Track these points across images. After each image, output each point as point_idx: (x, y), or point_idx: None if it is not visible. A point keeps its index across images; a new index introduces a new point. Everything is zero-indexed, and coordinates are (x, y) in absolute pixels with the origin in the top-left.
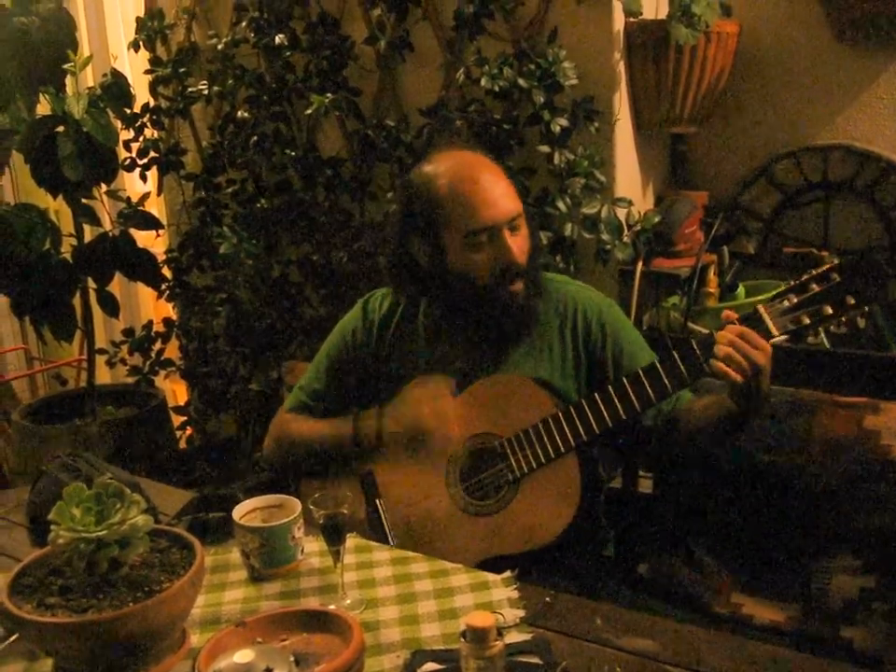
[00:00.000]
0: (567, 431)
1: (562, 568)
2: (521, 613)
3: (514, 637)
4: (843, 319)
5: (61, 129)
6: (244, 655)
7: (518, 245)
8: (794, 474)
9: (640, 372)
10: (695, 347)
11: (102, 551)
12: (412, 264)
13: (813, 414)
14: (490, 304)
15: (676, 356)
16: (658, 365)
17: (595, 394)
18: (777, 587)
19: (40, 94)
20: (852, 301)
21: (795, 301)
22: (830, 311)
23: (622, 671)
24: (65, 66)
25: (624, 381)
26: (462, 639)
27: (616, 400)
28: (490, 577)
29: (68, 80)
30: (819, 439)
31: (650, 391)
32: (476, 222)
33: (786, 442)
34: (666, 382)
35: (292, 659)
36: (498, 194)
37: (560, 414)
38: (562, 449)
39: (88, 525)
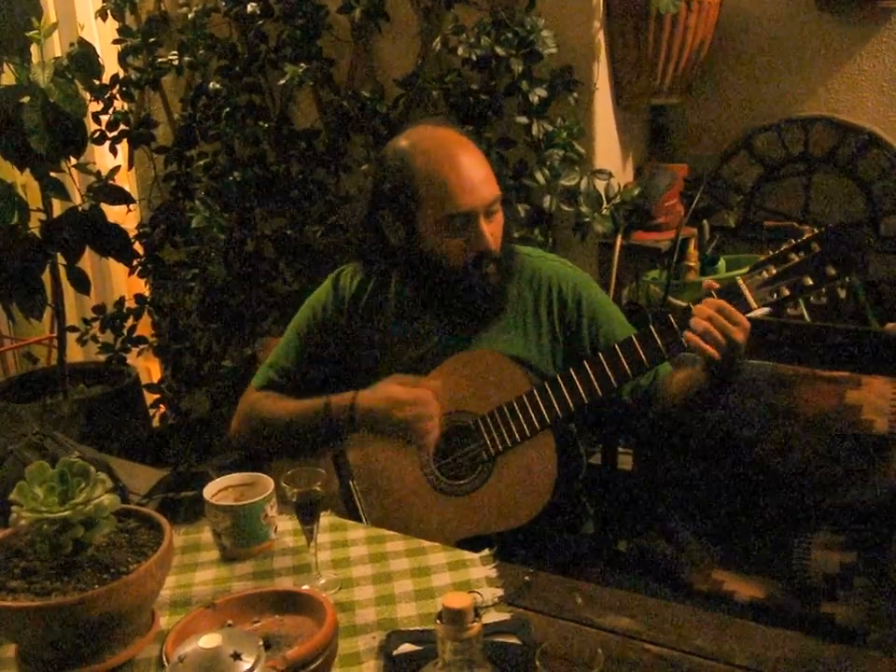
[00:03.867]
0: (543, 408)
1: (541, 546)
2: (499, 592)
3: (493, 617)
4: (823, 290)
5: (26, 99)
6: (210, 640)
7: (493, 230)
8: (775, 449)
9: (616, 347)
10: (673, 322)
11: (66, 532)
12: (381, 241)
13: (794, 389)
14: (461, 286)
15: (653, 330)
16: (635, 339)
17: (571, 369)
18: (758, 563)
19: (4, 64)
20: (832, 272)
21: (775, 272)
22: (810, 282)
23: (603, 651)
24: (29, 34)
25: (600, 356)
26: (438, 621)
27: (592, 376)
28: (468, 555)
29: (33, 49)
30: (801, 413)
31: (626, 366)
32: (453, 207)
33: (767, 417)
34: (643, 356)
35: (261, 643)
36: (478, 179)
37: (535, 391)
38: (537, 426)
39: (51, 506)
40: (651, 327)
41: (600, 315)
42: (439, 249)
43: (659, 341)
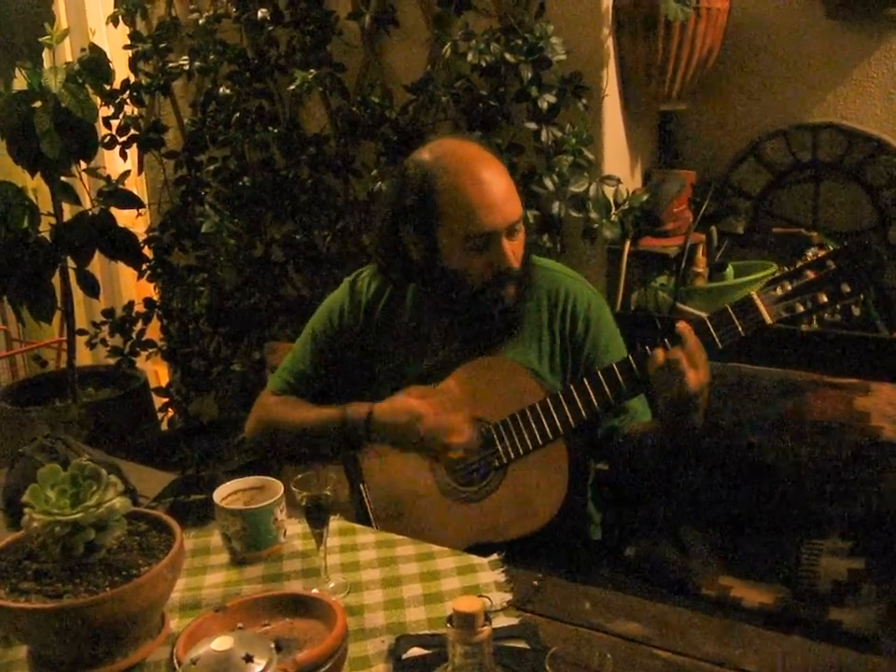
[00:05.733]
0: (556, 417)
1: (549, 552)
2: (508, 597)
3: (502, 622)
4: (838, 307)
5: (38, 104)
6: (222, 642)
7: (515, 249)
8: (784, 455)
9: (630, 359)
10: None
11: (77, 534)
12: (401, 254)
13: (803, 395)
14: (479, 304)
15: (667, 342)
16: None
17: (585, 379)
18: (766, 569)
19: (17, 69)
20: (848, 289)
21: (790, 288)
22: (825, 299)
23: (612, 656)
24: (42, 39)
25: (614, 367)
26: (448, 625)
27: (605, 386)
28: (477, 560)
29: (45, 54)
30: (809, 420)
31: (640, 377)
32: (475, 227)
33: (775, 423)
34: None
35: (273, 646)
36: (501, 198)
37: (549, 400)
38: (550, 436)
39: (63, 508)
40: (666, 340)
41: (602, 341)
42: (459, 266)
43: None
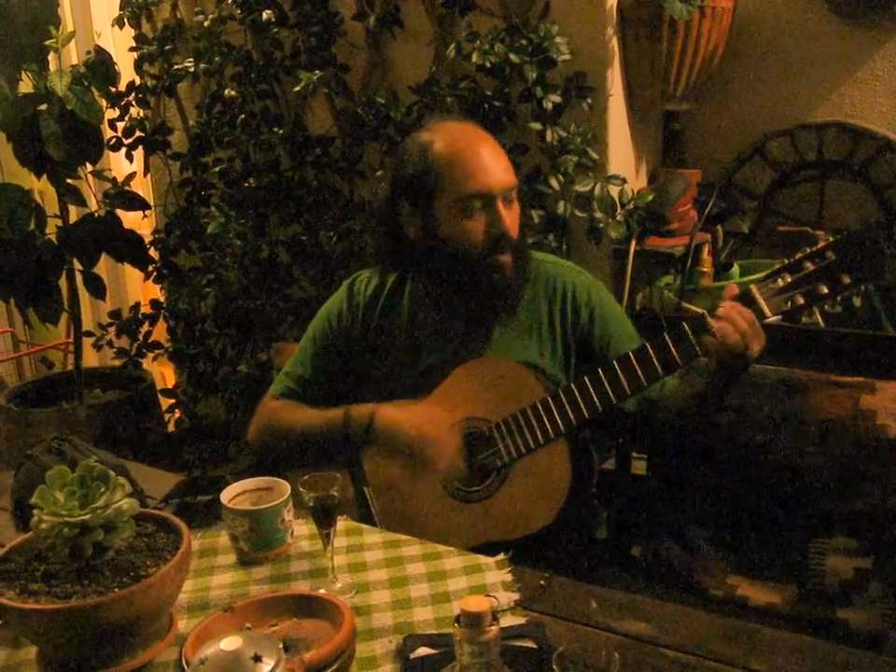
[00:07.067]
0: (557, 416)
1: (555, 551)
2: (515, 596)
3: (509, 621)
4: (838, 299)
5: (44, 107)
6: (231, 642)
7: (510, 217)
8: (790, 454)
9: (630, 355)
10: (687, 330)
11: (86, 535)
12: (399, 235)
13: (808, 394)
14: (477, 275)
15: (667, 338)
16: (649, 348)
17: (585, 377)
18: (773, 568)
19: (22, 72)
20: (848, 280)
21: (789, 280)
22: (825, 290)
23: (619, 655)
24: (47, 42)
25: (615, 364)
26: (456, 624)
27: (606, 384)
28: (483, 560)
29: (51, 57)
30: (815, 419)
31: (640, 375)
32: (472, 186)
33: (781, 422)
34: (657, 365)
35: (281, 645)
36: (496, 163)
37: (549, 399)
38: (551, 434)
39: (71, 510)
40: (666, 335)
41: (611, 326)
42: (456, 234)
43: (673, 349)
